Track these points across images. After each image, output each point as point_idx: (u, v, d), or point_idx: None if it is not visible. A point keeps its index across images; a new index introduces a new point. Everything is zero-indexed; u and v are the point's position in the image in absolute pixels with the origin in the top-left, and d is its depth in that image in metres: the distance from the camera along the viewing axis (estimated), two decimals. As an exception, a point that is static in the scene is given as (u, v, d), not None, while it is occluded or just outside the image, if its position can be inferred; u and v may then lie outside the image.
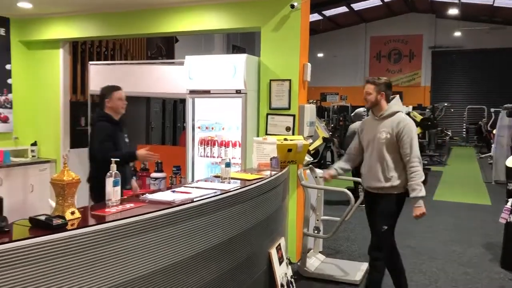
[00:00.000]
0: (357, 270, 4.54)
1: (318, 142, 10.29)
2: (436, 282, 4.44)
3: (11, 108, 6.22)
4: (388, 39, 22.66)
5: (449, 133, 18.91)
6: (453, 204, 8.24)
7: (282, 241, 3.96)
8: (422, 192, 3.40)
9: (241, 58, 4.64)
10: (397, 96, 3.63)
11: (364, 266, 4.68)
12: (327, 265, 4.71)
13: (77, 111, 6.56)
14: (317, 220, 4.77)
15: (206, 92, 4.83)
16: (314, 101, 21.78)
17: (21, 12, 5.87)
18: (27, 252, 1.75)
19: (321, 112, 18.82)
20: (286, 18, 4.75)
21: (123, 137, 4.02)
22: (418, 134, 9.25)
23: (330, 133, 12.04)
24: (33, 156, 6.30)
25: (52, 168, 6.29)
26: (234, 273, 2.99)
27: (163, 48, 9.08)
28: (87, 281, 1.94)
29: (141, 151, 3.89)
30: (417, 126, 9.33)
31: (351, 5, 19.68)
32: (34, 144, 6.37)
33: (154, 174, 5.37)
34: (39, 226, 1.94)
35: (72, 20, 5.94)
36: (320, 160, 11.02)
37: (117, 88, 3.97)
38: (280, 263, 3.78)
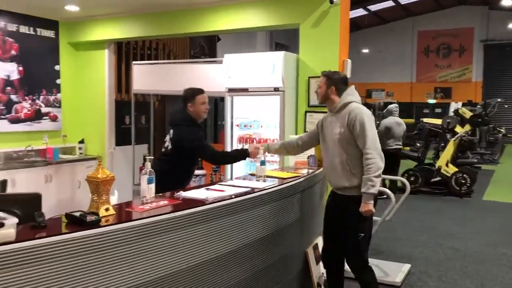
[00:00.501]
0: (398, 272, 4.41)
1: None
2: (483, 286, 4.25)
3: (60, 107, 6.49)
4: (436, 33, 21.88)
5: (502, 130, 18.03)
6: (503, 204, 7.87)
7: (319, 240, 3.91)
8: (373, 189, 2.95)
9: (279, 56, 4.61)
10: (352, 87, 3.25)
11: (406, 267, 4.55)
12: (367, 266, 4.60)
13: (122, 110, 6.75)
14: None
15: (244, 90, 4.84)
16: (359, 98, 21.43)
17: (69, 15, 6.10)
18: (62, 247, 1.81)
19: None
20: (326, 14, 4.68)
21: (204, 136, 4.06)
22: (467, 132, 8.87)
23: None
24: (80, 153, 6.54)
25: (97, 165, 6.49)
26: (268, 272, 2.98)
27: (206, 47, 9.19)
28: (119, 276, 1.99)
29: (251, 148, 3.67)
30: (466, 123, 8.96)
31: (398, -1, 19.17)
32: (82, 141, 6.62)
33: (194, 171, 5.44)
34: (74, 222, 2.00)
35: (117, 21, 6.12)
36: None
37: (199, 92, 3.73)
38: (317, 262, 3.74)
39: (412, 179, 8.46)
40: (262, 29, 5.61)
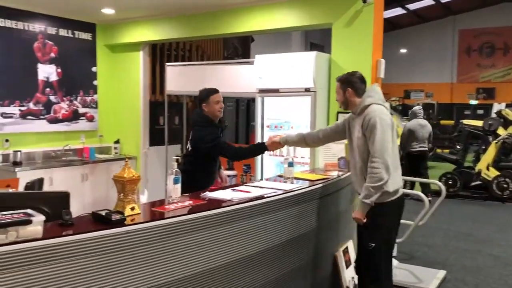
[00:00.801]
0: (433, 278, 4.28)
1: (398, 141, 9.90)
2: (523, 296, 4.07)
3: (96, 108, 6.66)
4: (479, 32, 21.13)
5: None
6: (549, 210, 7.50)
7: (350, 244, 3.84)
8: (368, 200, 2.76)
9: (310, 56, 4.56)
10: (373, 85, 3.07)
11: (441, 274, 4.41)
12: (399, 271, 4.48)
13: (156, 111, 6.86)
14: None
15: (275, 91, 4.81)
16: (397, 99, 20.99)
17: (105, 17, 6.25)
18: (87, 244, 1.84)
19: (404, 110, 18.00)
20: (359, 13, 4.59)
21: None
22: (511, 134, 8.50)
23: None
24: (115, 153, 6.69)
25: (132, 164, 6.63)
26: (296, 275, 2.94)
27: (239, 48, 9.21)
28: (142, 275, 2.00)
29: (268, 141, 3.66)
30: (509, 124, 8.60)
31: (438, -3, 18.65)
32: (117, 142, 6.76)
33: (225, 172, 5.46)
34: (100, 220, 2.03)
35: (151, 24, 6.22)
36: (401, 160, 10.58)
37: (213, 92, 3.74)
38: (347, 266, 3.67)
39: (450, 182, 8.20)
40: (294, 29, 5.57)
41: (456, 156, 9.21)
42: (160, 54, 7.04)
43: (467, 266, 4.77)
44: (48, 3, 5.61)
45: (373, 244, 2.87)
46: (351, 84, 3.00)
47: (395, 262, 4.69)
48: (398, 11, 18.97)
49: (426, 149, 7.78)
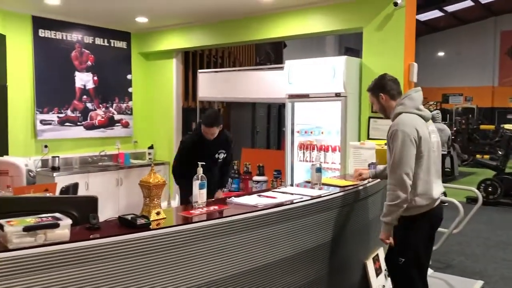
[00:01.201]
0: (469, 288, 4.13)
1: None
2: None
3: (131, 114, 6.81)
4: (522, 33, 20.36)
5: None
6: None
7: (380, 251, 3.76)
8: (385, 218, 2.63)
9: (340, 60, 4.52)
10: (410, 91, 2.81)
11: (478, 284, 4.24)
12: (434, 280, 4.35)
13: (188, 117, 6.96)
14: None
15: (305, 96, 4.79)
16: (434, 103, 20.47)
17: (139, 26, 6.41)
18: (111, 248, 1.88)
19: (442, 115, 17.55)
20: (390, 17, 4.52)
21: (207, 150, 3.98)
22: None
23: (453, 137, 11.23)
24: (149, 159, 6.82)
25: (165, 170, 6.74)
26: (322, 282, 2.90)
27: (272, 54, 9.23)
28: (165, 280, 2.02)
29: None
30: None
31: (477, -2, 18.10)
32: (151, 147, 6.90)
33: (256, 177, 5.49)
34: (126, 224, 2.07)
35: (184, 32, 6.34)
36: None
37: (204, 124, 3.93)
38: (378, 274, 3.60)
39: (490, 189, 7.90)
40: (325, 34, 5.55)
41: (497, 162, 8.87)
42: (193, 61, 7.15)
43: (506, 276, 4.58)
44: (85, 13, 5.81)
45: (403, 259, 2.74)
46: (382, 88, 2.83)
47: (429, 271, 4.56)
48: (435, 13, 18.53)
49: (445, 153, 7.76)
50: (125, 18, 5.98)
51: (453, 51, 21.29)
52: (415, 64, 4.58)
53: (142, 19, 6.00)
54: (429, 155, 2.70)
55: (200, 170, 2.54)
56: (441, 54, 21.30)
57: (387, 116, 2.87)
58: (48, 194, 3.10)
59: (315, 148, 4.89)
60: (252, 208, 2.45)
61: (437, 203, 2.79)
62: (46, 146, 5.86)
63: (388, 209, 2.63)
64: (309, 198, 2.78)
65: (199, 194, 2.51)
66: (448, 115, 17.94)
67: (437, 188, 2.78)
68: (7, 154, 5.06)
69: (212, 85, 6.17)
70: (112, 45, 6.55)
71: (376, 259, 3.64)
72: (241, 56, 8.14)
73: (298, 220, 2.63)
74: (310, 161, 4.91)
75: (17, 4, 5.38)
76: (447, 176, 10.53)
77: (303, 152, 4.96)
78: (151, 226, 2.07)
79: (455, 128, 15.32)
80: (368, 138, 4.62)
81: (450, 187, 5.03)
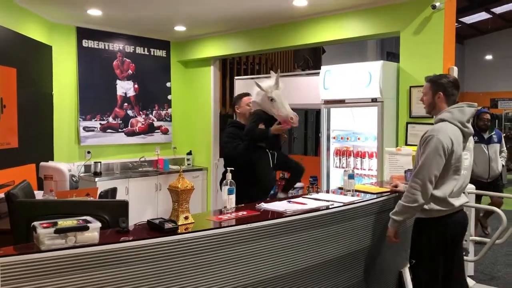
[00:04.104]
0: (514, 302, 3.93)
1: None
2: None
3: (170, 121, 6.96)
4: None
5: None
6: None
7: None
8: (396, 216, 2.69)
9: (376, 65, 4.44)
10: (463, 104, 2.74)
11: (525, 298, 4.03)
12: (476, 292, 4.18)
13: (226, 123, 7.00)
14: (465, 240, 4.26)
15: (341, 102, 4.73)
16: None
17: (177, 35, 6.56)
18: (139, 251, 1.92)
19: (492, 120, 16.82)
20: (428, 20, 4.41)
21: None
22: None
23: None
24: (188, 164, 6.93)
25: (203, 175, 6.83)
26: (355, 290, 2.85)
27: (310, 60, 9.17)
28: (193, 283, 2.05)
29: (273, 127, 3.64)
30: None
31: (527, -2, 17.31)
32: (189, 153, 7.01)
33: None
34: (154, 228, 2.11)
35: (221, 39, 6.42)
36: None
37: (245, 94, 4.02)
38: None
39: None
40: (362, 39, 5.46)
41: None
42: (230, 68, 7.22)
43: (556, 290, 4.33)
44: (126, 23, 6.00)
45: (414, 261, 2.78)
46: (445, 88, 2.75)
47: (471, 282, 4.38)
48: (482, 15, 17.87)
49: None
50: (164, 27, 6.13)
51: (502, 54, 20.44)
52: (455, 68, 4.43)
53: (180, 28, 6.13)
54: (456, 171, 2.67)
55: (229, 175, 2.56)
56: (489, 57, 20.51)
57: (429, 112, 2.85)
58: (89, 198, 3.21)
59: (351, 154, 4.82)
60: (280, 214, 2.44)
61: (456, 209, 2.73)
62: (89, 152, 6.07)
63: (401, 209, 2.66)
64: (340, 204, 2.74)
65: (228, 199, 2.53)
66: (497, 120, 17.21)
67: (457, 200, 2.73)
68: (52, 159, 5.28)
69: (249, 92, 6.18)
70: (152, 53, 6.72)
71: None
72: (279, 62, 8.15)
73: (328, 227, 2.60)
74: (346, 167, 4.84)
75: (63, 16, 5.62)
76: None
77: (339, 158, 4.90)
78: (178, 230, 2.10)
79: (504, 134, 14.67)
80: (406, 144, 4.50)
81: (496, 196, 4.83)
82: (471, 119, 2.80)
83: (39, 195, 3.60)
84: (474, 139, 5.31)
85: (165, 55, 6.87)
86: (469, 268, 4.45)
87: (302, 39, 5.57)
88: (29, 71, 5.01)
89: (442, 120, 2.70)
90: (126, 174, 6.09)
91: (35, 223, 1.85)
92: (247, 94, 3.99)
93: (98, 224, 1.90)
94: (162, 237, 2.00)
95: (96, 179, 5.66)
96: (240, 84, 6.29)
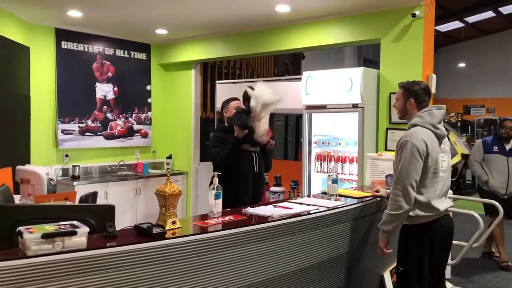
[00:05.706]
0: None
1: (457, 159, 9.48)
2: None
3: (150, 124, 6.90)
4: (546, 43, 19.97)
5: None
6: None
7: (398, 264, 3.70)
8: (383, 226, 2.69)
9: (357, 72, 4.52)
10: (433, 107, 2.79)
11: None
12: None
13: (206, 127, 7.00)
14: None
15: (322, 107, 4.79)
16: (455, 114, 20.19)
17: (159, 38, 6.52)
18: (126, 256, 1.90)
19: (464, 127, 17.27)
20: (408, 28, 4.51)
21: None
22: None
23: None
24: (168, 169, 6.87)
25: (183, 179, 6.79)
26: (338, 294, 2.88)
27: (290, 65, 9.25)
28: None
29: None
30: None
31: (499, 9, 17.85)
32: (169, 157, 6.95)
33: (273, 188, 5.47)
34: (142, 233, 2.10)
35: (202, 43, 6.41)
36: (458, 179, 10.13)
37: (233, 99, 4.03)
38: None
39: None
40: (342, 45, 5.55)
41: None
42: (211, 72, 7.21)
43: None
44: (107, 25, 5.93)
45: (401, 268, 2.76)
46: (416, 95, 2.80)
47: (449, 285, 4.47)
48: (456, 24, 18.35)
49: None
50: (145, 30, 6.09)
51: (475, 62, 21.01)
52: (434, 76, 4.54)
53: (161, 31, 6.10)
54: (435, 173, 2.70)
55: (216, 180, 2.56)
56: (462, 65, 21.06)
57: (402, 117, 2.92)
58: (68, 203, 3.15)
59: (333, 159, 4.87)
60: (267, 219, 2.45)
61: (441, 214, 2.76)
62: (67, 156, 5.97)
63: (389, 217, 2.66)
64: (325, 209, 2.77)
65: (215, 204, 2.53)
66: (469, 126, 17.68)
67: (441, 204, 2.75)
68: (29, 163, 5.17)
69: (230, 96, 6.19)
70: (132, 56, 6.66)
71: (393, 272, 3.58)
72: (259, 67, 8.18)
73: (313, 231, 2.62)
74: (327, 172, 4.89)
75: (42, 17, 5.52)
76: (469, 188, 10.34)
77: (320, 163, 4.95)
78: (166, 235, 2.09)
79: (476, 140, 15.07)
80: (386, 150, 4.58)
81: (471, 200, 4.94)
82: (443, 121, 2.85)
83: (16, 199, 3.51)
84: (494, 150, 5.08)
85: (145, 58, 6.82)
86: (447, 272, 4.55)
87: (284, 44, 5.62)
88: (5, 71, 4.90)
89: (414, 125, 2.75)
90: (104, 178, 6.01)
91: (21, 228, 1.81)
92: (236, 99, 4.00)
93: (86, 229, 1.88)
94: (151, 242, 1.99)
95: (75, 183, 5.56)
96: (221, 88, 6.30)
